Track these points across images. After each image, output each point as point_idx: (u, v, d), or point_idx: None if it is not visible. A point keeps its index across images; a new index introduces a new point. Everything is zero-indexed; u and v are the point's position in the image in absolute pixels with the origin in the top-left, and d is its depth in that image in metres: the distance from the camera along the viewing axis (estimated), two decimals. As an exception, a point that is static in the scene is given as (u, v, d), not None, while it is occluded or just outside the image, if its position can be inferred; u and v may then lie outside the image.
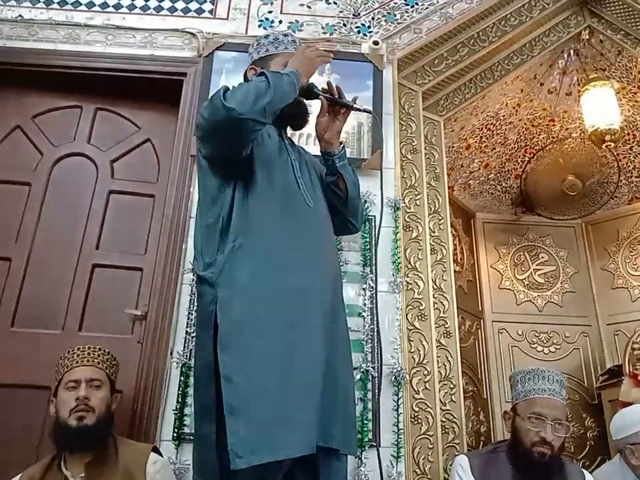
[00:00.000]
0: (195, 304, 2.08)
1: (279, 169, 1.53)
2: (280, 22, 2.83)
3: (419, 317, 2.36)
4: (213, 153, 1.49)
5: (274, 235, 1.42)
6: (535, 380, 1.88)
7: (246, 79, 1.73)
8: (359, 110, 1.66)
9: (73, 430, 1.66)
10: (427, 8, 2.90)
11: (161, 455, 1.76)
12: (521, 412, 1.85)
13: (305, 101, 1.66)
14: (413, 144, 2.70)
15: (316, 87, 1.66)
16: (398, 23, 2.86)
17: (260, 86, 1.40)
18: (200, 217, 1.52)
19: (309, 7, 2.89)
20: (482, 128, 3.56)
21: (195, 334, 1.96)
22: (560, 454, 1.81)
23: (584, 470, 1.92)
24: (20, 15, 2.74)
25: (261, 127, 1.40)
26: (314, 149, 1.94)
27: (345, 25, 2.85)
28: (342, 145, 1.69)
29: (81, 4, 2.81)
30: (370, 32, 2.83)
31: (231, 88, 1.41)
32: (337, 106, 1.65)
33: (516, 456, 1.82)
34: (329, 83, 1.67)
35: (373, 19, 2.87)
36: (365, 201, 2.37)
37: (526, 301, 3.92)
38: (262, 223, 1.42)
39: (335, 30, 2.82)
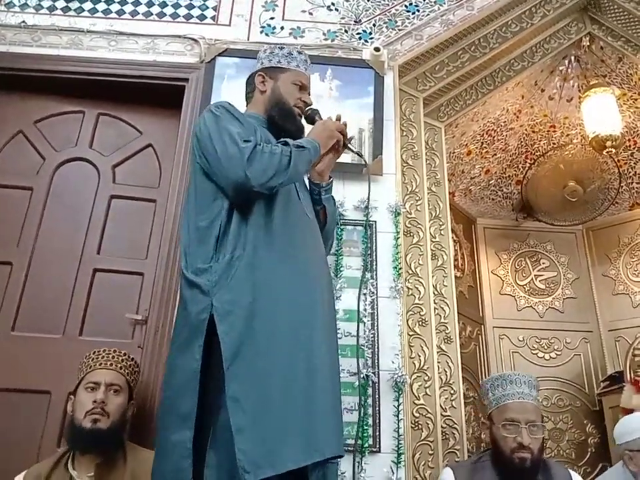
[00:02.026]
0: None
1: None
2: (282, 28, 2.84)
3: (420, 323, 2.36)
4: (211, 175, 1.47)
5: (274, 247, 1.41)
6: (504, 385, 1.89)
7: (252, 84, 1.73)
8: (352, 151, 1.69)
9: (86, 432, 1.68)
10: (428, 15, 2.92)
11: None
12: (496, 420, 1.86)
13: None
14: (414, 150, 2.70)
15: (319, 114, 1.68)
16: (399, 30, 2.88)
17: (282, 165, 1.41)
18: (189, 215, 1.48)
19: (310, 13, 2.90)
20: (483, 134, 3.56)
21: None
22: (541, 456, 1.81)
23: (571, 471, 1.92)
24: (23, 21, 2.75)
25: (264, 195, 1.43)
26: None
27: (346, 31, 2.86)
28: (331, 179, 1.70)
29: (84, 10, 2.83)
30: (371, 38, 2.84)
31: (258, 148, 1.39)
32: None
33: (499, 464, 1.82)
34: (338, 117, 1.67)
35: (374, 25, 2.89)
36: (366, 207, 2.38)
37: (527, 306, 3.92)
38: (262, 234, 1.40)
39: (337, 36, 2.83)
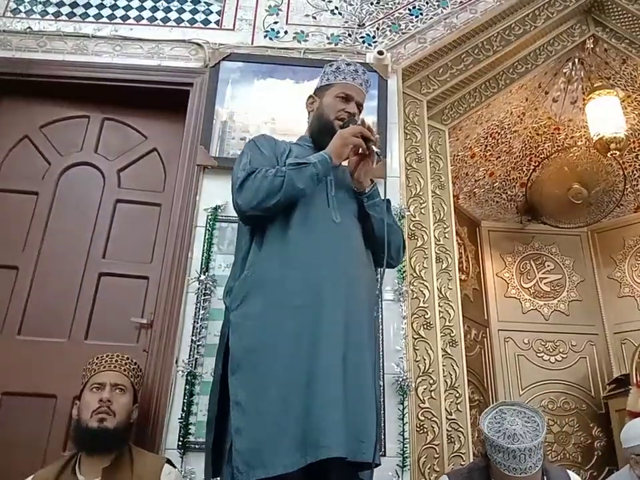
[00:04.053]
0: (201, 312, 2.17)
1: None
2: (285, 32, 2.85)
3: (425, 326, 2.35)
4: None
5: (287, 258, 1.44)
6: (506, 457, 1.68)
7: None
8: (376, 154, 1.60)
9: (93, 431, 1.69)
10: (432, 18, 2.92)
11: (174, 466, 1.76)
12: (495, 473, 1.74)
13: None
14: (418, 153, 2.71)
15: (355, 121, 1.63)
16: (402, 33, 2.88)
17: (274, 186, 1.45)
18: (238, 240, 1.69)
19: (314, 17, 2.91)
20: (487, 136, 3.56)
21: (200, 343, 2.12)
22: None
23: (569, 471, 1.89)
24: (29, 27, 2.77)
25: (268, 214, 1.49)
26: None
27: (349, 35, 2.87)
28: (373, 184, 1.64)
29: (89, 15, 2.85)
30: (375, 42, 2.85)
31: (253, 174, 1.47)
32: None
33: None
34: (362, 122, 1.63)
35: (377, 29, 2.89)
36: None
37: (532, 309, 3.91)
38: (277, 248, 1.47)
39: (340, 40, 2.84)
